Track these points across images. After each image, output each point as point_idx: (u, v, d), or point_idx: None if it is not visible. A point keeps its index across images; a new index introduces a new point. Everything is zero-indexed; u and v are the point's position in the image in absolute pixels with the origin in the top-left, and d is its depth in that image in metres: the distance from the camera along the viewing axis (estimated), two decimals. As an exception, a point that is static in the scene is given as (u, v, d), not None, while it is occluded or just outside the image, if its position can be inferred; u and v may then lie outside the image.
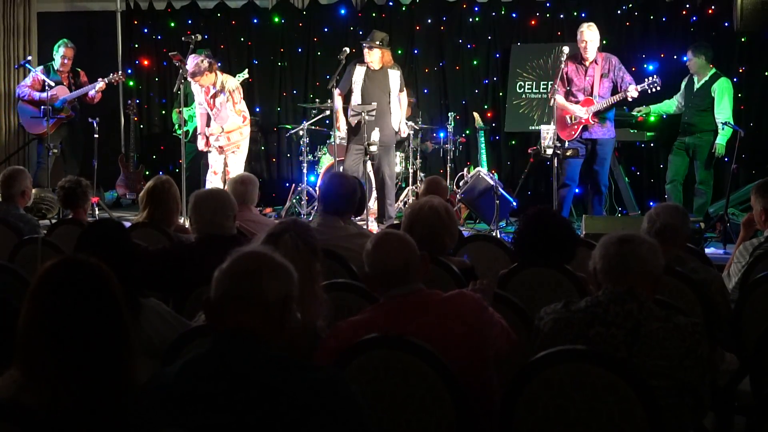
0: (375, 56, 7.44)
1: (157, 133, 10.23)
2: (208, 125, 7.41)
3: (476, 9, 9.39)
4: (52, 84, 8.10)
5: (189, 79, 7.18)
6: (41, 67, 8.51)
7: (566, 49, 7.03)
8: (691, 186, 7.68)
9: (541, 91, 8.99)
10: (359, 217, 5.75)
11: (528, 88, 9.11)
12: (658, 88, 7.00)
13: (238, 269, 1.87)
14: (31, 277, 1.96)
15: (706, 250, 5.97)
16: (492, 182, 7.65)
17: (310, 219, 7.50)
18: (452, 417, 2.34)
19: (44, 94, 7.99)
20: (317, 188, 8.19)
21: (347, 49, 7.48)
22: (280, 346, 1.86)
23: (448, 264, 3.44)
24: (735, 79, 8.13)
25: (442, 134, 8.88)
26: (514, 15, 9.36)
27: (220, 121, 7.32)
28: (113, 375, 1.86)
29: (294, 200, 8.53)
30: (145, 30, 10.11)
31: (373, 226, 6.92)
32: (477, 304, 2.60)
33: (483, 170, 8.12)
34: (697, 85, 7.52)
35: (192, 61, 7.10)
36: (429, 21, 9.53)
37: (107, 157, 9.21)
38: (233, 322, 1.83)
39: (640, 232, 3.13)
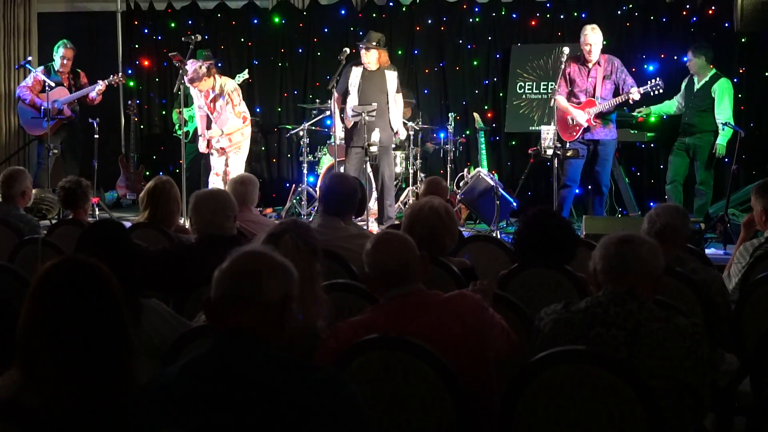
0: (372, 57, 7.42)
1: (157, 133, 10.23)
2: (208, 128, 7.41)
3: (476, 9, 9.39)
4: (53, 84, 8.09)
5: (187, 84, 7.18)
6: (41, 67, 8.51)
7: (566, 50, 7.03)
8: (691, 186, 7.67)
9: (542, 91, 9.00)
10: (359, 218, 5.75)
11: (528, 89, 9.11)
12: (661, 91, 7.00)
13: (238, 269, 1.87)
14: (31, 278, 1.96)
15: (707, 251, 5.96)
16: (492, 183, 7.65)
17: (311, 219, 7.52)
18: (452, 417, 2.34)
19: (45, 103, 7.95)
20: (317, 189, 8.20)
21: (347, 50, 7.48)
22: (280, 346, 1.86)
23: (448, 264, 3.44)
24: (735, 80, 8.14)
25: (442, 135, 8.88)
26: (514, 15, 9.37)
27: (220, 124, 7.33)
28: (113, 375, 1.86)
29: (294, 201, 8.54)
30: (146, 30, 10.12)
31: (374, 227, 6.91)
32: (477, 305, 2.60)
33: (483, 171, 8.12)
34: (697, 86, 7.52)
35: (190, 67, 7.10)
36: (429, 21, 9.53)
37: (107, 157, 9.21)
38: (233, 322, 1.83)
39: (641, 233, 3.13)
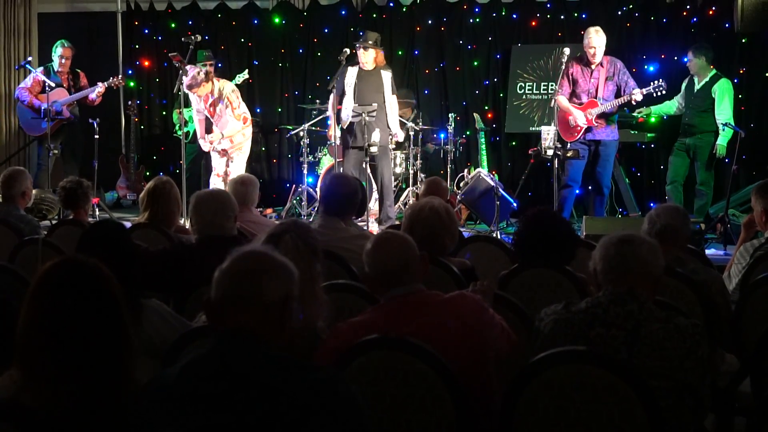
0: (369, 57, 7.42)
1: (157, 133, 10.23)
2: (209, 131, 7.42)
3: (477, 10, 9.39)
4: (53, 85, 8.09)
5: (186, 90, 7.17)
6: (41, 68, 8.50)
7: (567, 50, 7.03)
8: (691, 187, 7.68)
9: (542, 92, 9.00)
10: (359, 219, 5.75)
11: (528, 89, 9.11)
12: (664, 92, 7.01)
13: (238, 269, 1.87)
14: (31, 278, 1.96)
15: (707, 251, 5.96)
16: (492, 183, 7.65)
17: (311, 220, 7.52)
18: (452, 417, 2.34)
19: (44, 104, 7.94)
20: (317, 189, 8.20)
21: (348, 50, 7.47)
22: (281, 346, 1.86)
23: (448, 265, 3.44)
24: (735, 80, 8.14)
25: (442, 135, 8.88)
26: (514, 16, 9.37)
27: (221, 127, 7.34)
28: (113, 375, 1.86)
29: (294, 201, 8.54)
30: (146, 31, 10.12)
31: (374, 228, 6.91)
32: (477, 306, 2.60)
33: (483, 171, 8.12)
34: (697, 86, 7.52)
35: (189, 73, 7.09)
36: (429, 22, 9.53)
37: (108, 157, 9.20)
38: (233, 323, 1.83)
39: (641, 233, 3.13)
